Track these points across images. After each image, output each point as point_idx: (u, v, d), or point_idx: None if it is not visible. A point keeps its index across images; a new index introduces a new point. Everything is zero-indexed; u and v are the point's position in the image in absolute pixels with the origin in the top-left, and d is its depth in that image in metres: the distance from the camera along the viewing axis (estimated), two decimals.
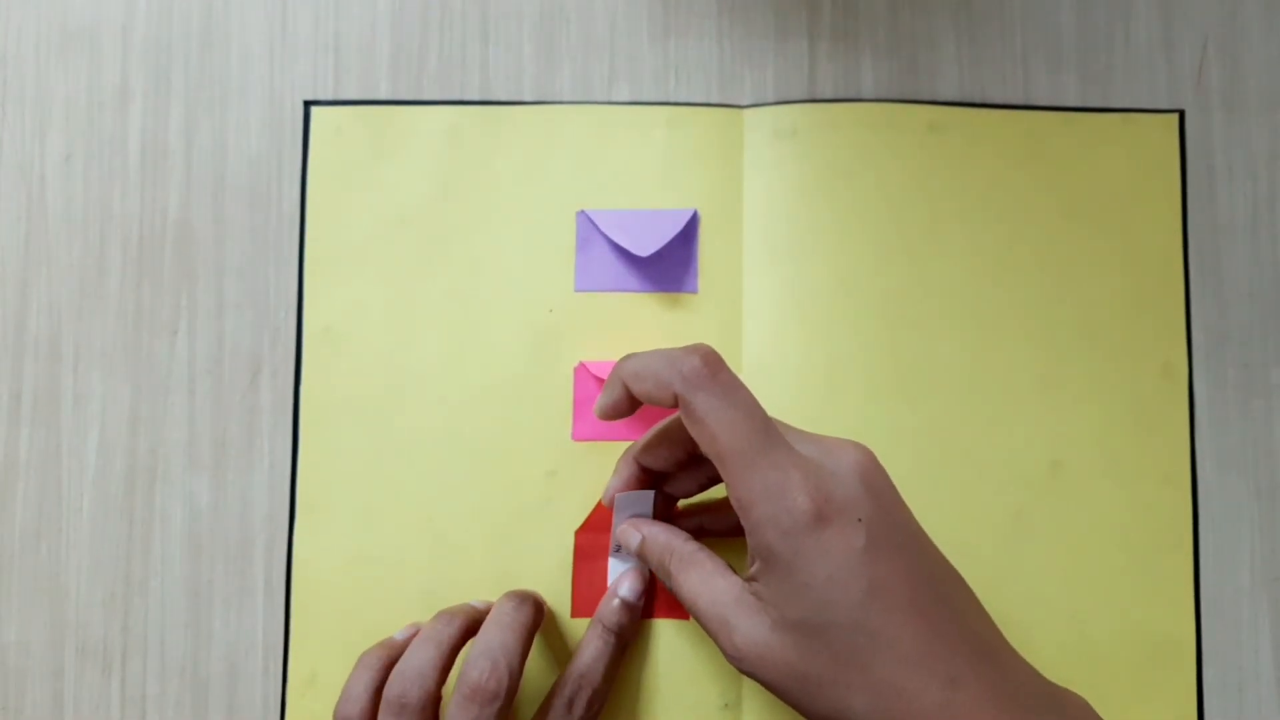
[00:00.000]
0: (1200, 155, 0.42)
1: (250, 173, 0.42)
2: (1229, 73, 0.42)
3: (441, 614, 0.37)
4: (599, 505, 0.39)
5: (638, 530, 0.37)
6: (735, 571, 0.34)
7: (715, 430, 0.32)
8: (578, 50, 0.43)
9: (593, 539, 0.40)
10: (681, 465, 0.37)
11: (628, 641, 0.38)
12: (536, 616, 0.37)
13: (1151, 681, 0.39)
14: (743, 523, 0.32)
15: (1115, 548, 0.40)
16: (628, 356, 0.35)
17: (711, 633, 0.33)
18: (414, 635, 0.37)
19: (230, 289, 0.42)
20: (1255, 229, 0.42)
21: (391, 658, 0.36)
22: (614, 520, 0.38)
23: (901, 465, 0.40)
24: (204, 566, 0.40)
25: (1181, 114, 0.42)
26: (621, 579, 0.38)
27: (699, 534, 0.38)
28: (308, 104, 0.42)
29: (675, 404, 0.33)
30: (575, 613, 0.40)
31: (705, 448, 0.32)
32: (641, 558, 0.37)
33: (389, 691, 0.34)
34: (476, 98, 0.42)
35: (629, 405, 0.35)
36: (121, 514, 0.41)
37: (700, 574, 0.34)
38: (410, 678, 0.34)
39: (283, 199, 0.42)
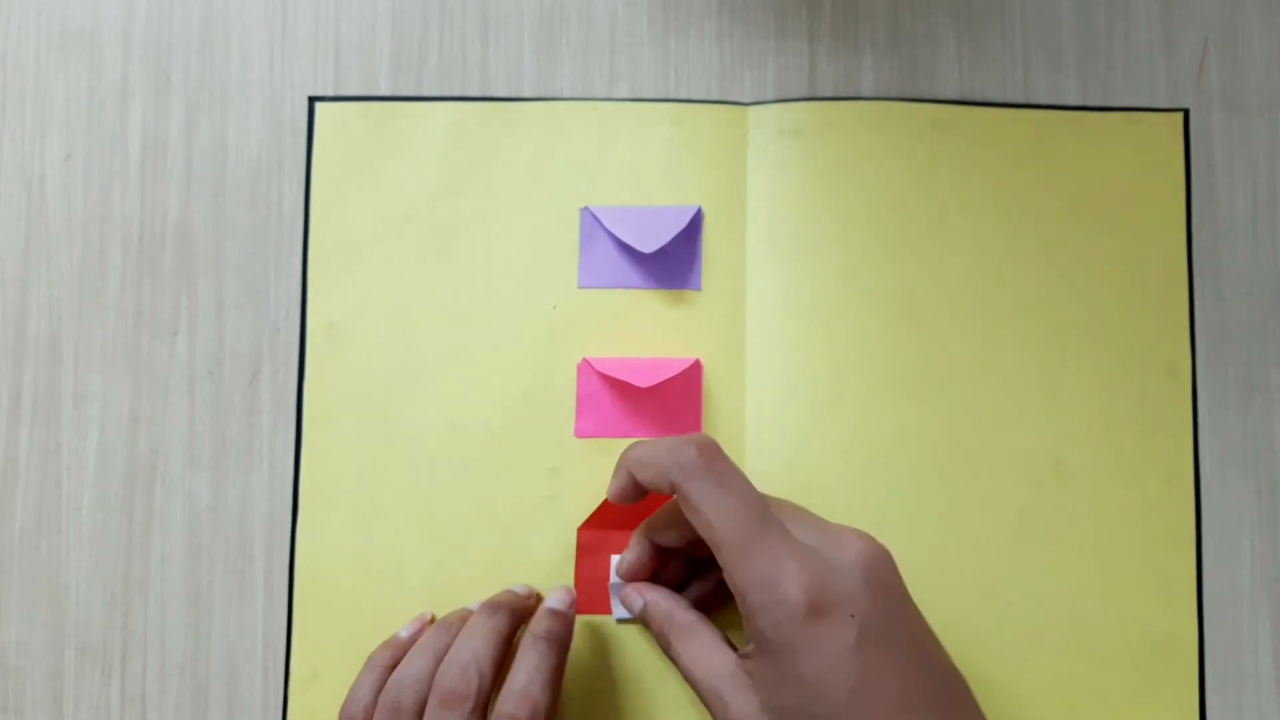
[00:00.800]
0: (1201, 155, 0.42)
1: (250, 173, 0.42)
2: (1229, 73, 0.42)
3: (440, 623, 0.38)
4: (603, 503, 0.39)
5: (640, 595, 0.38)
6: (732, 646, 0.35)
7: (710, 518, 0.33)
8: (578, 50, 0.43)
9: (596, 536, 0.40)
10: (692, 544, 0.37)
11: (564, 646, 0.37)
12: (511, 621, 0.37)
13: (1154, 679, 0.39)
14: (740, 608, 0.33)
15: (1118, 545, 0.40)
16: (634, 444, 0.36)
17: (706, 703, 0.34)
18: (419, 631, 0.38)
19: (230, 289, 0.42)
20: (1255, 229, 0.42)
21: (397, 658, 0.37)
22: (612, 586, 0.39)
23: (905, 463, 0.40)
24: (204, 566, 0.40)
25: (1186, 113, 0.42)
26: (552, 594, 0.38)
27: (709, 600, 0.38)
28: (312, 99, 0.42)
29: (673, 492, 0.34)
30: (579, 610, 0.40)
31: (703, 534, 0.33)
32: (642, 620, 0.38)
33: (385, 696, 0.35)
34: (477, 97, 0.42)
35: (636, 492, 0.36)
36: (121, 514, 0.41)
37: (697, 644, 0.35)
38: (406, 684, 0.35)
39: (283, 199, 0.42)
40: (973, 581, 0.39)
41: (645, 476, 0.35)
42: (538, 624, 0.37)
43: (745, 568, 0.32)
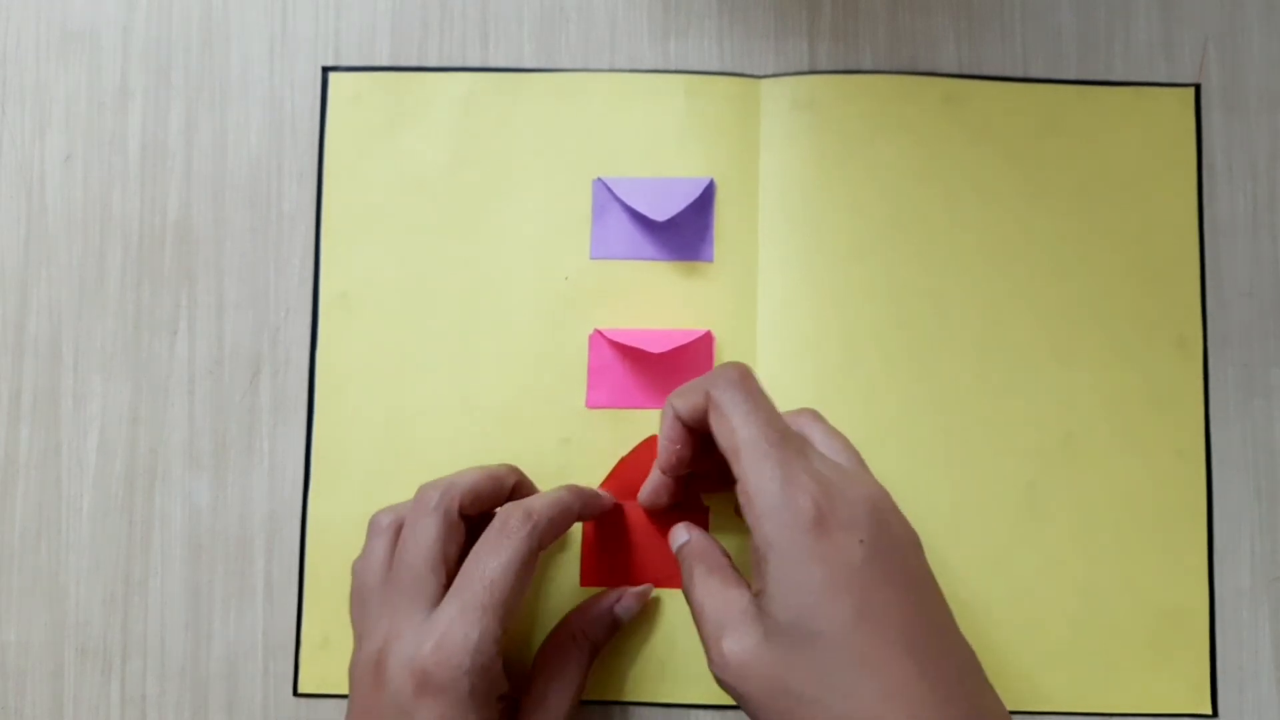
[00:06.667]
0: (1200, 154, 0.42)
1: (250, 172, 0.42)
2: (1229, 73, 0.42)
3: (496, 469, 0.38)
4: (612, 473, 0.40)
5: (689, 532, 0.37)
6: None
7: (735, 423, 0.33)
8: (578, 50, 0.43)
9: None
10: (708, 470, 0.37)
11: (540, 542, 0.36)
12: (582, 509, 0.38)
13: (1165, 652, 0.40)
14: (747, 518, 0.32)
15: (1128, 520, 0.40)
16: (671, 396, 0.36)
17: (705, 639, 0.32)
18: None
19: (230, 289, 0.42)
20: (1255, 229, 0.42)
21: (401, 519, 0.37)
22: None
23: (914, 435, 0.40)
24: (204, 567, 0.40)
25: (1197, 88, 0.42)
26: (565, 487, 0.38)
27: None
28: (325, 70, 0.42)
29: (709, 410, 0.34)
30: (585, 581, 0.40)
31: (724, 442, 0.33)
32: (679, 555, 0.37)
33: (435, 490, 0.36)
34: None
35: (682, 434, 0.36)
36: (121, 514, 0.41)
37: (717, 581, 0.34)
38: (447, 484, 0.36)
39: (283, 198, 0.42)
40: (982, 554, 0.40)
41: (684, 402, 0.35)
42: (598, 631, 0.38)
43: (761, 470, 0.31)
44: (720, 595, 0.33)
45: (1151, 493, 0.40)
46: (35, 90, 0.42)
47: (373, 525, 0.37)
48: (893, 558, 0.31)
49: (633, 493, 0.40)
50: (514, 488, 0.38)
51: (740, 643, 0.31)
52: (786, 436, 0.33)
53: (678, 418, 0.35)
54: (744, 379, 0.34)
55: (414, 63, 0.42)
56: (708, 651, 0.32)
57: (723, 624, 0.32)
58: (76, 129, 0.42)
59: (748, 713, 0.31)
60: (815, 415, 0.36)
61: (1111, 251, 0.41)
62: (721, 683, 0.31)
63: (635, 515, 0.40)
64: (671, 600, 0.40)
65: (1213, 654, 0.40)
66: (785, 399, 0.40)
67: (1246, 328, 0.41)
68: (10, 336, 0.41)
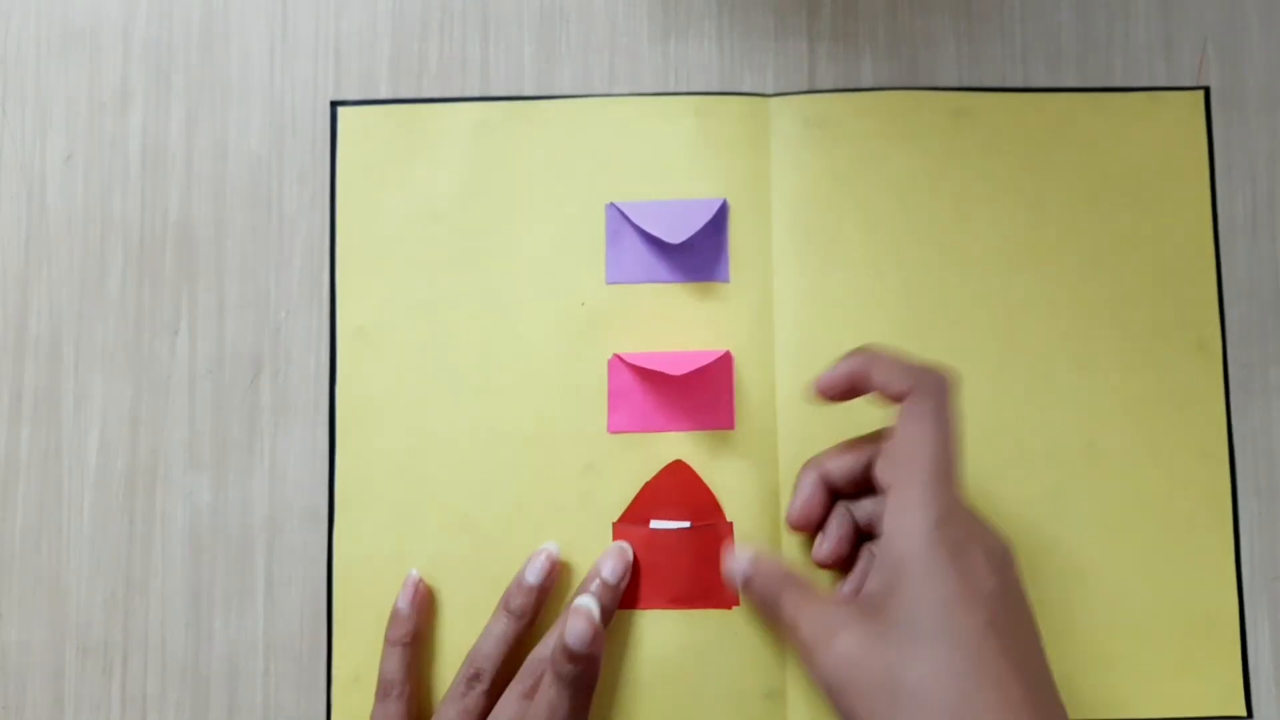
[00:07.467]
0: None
1: (250, 173, 0.42)
2: (1229, 73, 0.42)
3: (510, 610, 0.39)
4: (637, 497, 0.40)
5: (752, 565, 0.38)
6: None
7: (933, 433, 0.34)
8: (578, 51, 0.43)
9: (630, 531, 0.40)
10: (856, 481, 0.38)
11: (587, 686, 0.36)
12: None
13: (1195, 656, 0.40)
14: (889, 522, 0.33)
15: (1153, 524, 0.40)
16: (866, 347, 0.37)
17: (809, 646, 0.34)
18: (413, 596, 0.39)
19: (230, 289, 0.42)
20: (1255, 229, 0.42)
21: (410, 632, 0.38)
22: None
23: None
24: (204, 567, 0.41)
25: (1207, 91, 0.42)
26: (571, 625, 0.36)
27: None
28: (334, 104, 0.42)
29: (899, 397, 0.34)
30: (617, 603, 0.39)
31: (907, 444, 0.34)
32: (746, 586, 0.38)
33: (468, 669, 0.38)
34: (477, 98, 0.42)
35: (847, 385, 0.36)
36: (122, 514, 0.41)
37: (807, 598, 0.35)
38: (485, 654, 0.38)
39: (283, 199, 0.42)
40: None
41: (880, 370, 0.35)
42: (559, 664, 0.36)
43: (933, 488, 0.33)
44: (816, 608, 0.35)
45: (1176, 496, 0.40)
46: (36, 90, 0.42)
47: (382, 682, 0.39)
48: (1013, 596, 0.33)
49: (654, 517, 0.40)
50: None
51: (852, 640, 0.33)
52: (955, 465, 0.34)
53: (851, 379, 0.36)
54: (946, 393, 0.34)
55: (415, 59, 0.42)
56: (812, 656, 0.33)
57: (831, 628, 0.33)
58: (77, 129, 0.42)
59: (843, 707, 0.32)
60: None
61: (1127, 256, 0.41)
62: (826, 681, 0.33)
63: (646, 539, 0.40)
64: (662, 620, 0.40)
65: (1245, 654, 0.40)
66: (806, 415, 0.40)
67: (1247, 328, 0.41)
68: (10, 336, 0.41)
